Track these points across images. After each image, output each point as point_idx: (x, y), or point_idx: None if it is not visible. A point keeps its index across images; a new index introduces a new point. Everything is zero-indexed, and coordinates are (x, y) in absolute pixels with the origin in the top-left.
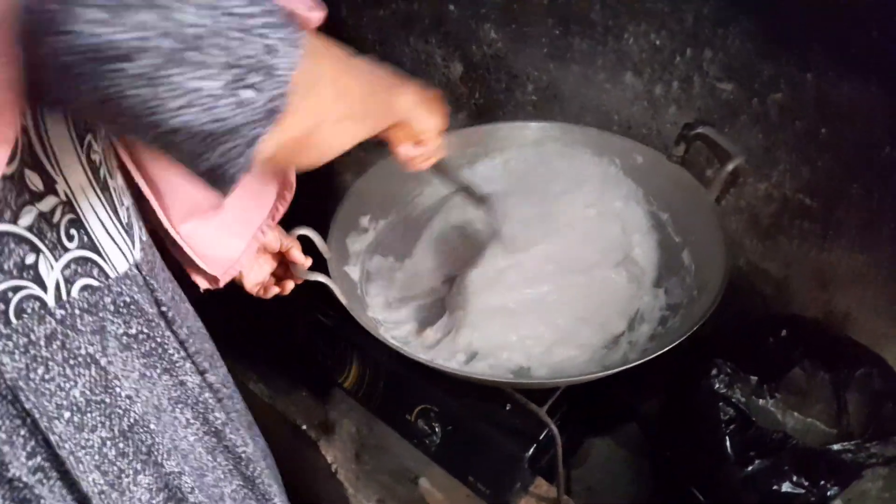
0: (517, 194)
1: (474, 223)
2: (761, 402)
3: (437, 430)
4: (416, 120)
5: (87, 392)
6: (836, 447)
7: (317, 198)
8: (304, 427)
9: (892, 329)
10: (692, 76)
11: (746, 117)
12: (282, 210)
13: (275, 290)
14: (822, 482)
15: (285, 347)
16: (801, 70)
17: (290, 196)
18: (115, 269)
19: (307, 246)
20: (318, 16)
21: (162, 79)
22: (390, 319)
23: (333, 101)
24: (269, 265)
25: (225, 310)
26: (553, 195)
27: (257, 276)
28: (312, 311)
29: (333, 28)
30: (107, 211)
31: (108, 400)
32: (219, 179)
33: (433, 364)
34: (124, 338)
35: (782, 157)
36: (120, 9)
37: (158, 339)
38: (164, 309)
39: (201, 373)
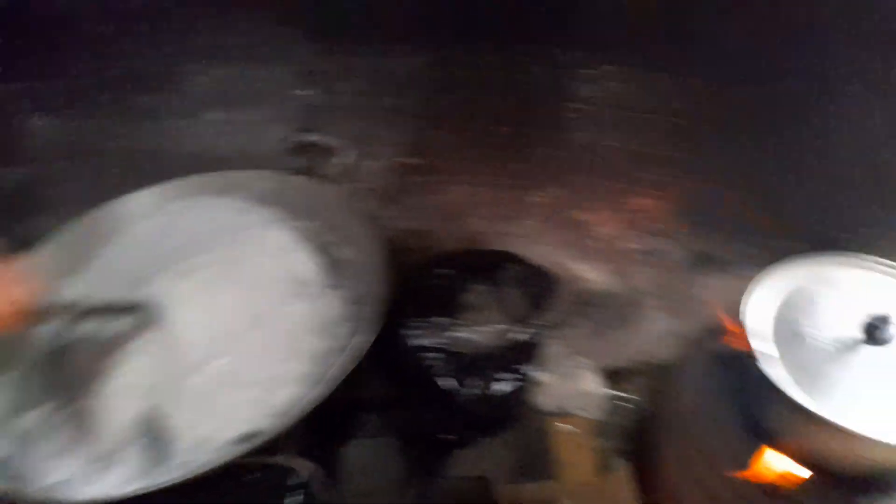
0: (158, 275)
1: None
2: (450, 333)
3: None
4: None
5: None
6: (520, 337)
7: None
8: None
9: (506, 227)
10: (277, 92)
11: (341, 112)
12: None
13: None
14: (522, 364)
15: None
16: (355, 55)
17: None
18: None
19: None
20: None
21: None
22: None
23: None
24: None
25: None
26: (196, 262)
27: None
28: None
29: None
30: None
31: None
32: None
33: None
34: None
35: (380, 134)
36: None
37: None
38: None
39: None
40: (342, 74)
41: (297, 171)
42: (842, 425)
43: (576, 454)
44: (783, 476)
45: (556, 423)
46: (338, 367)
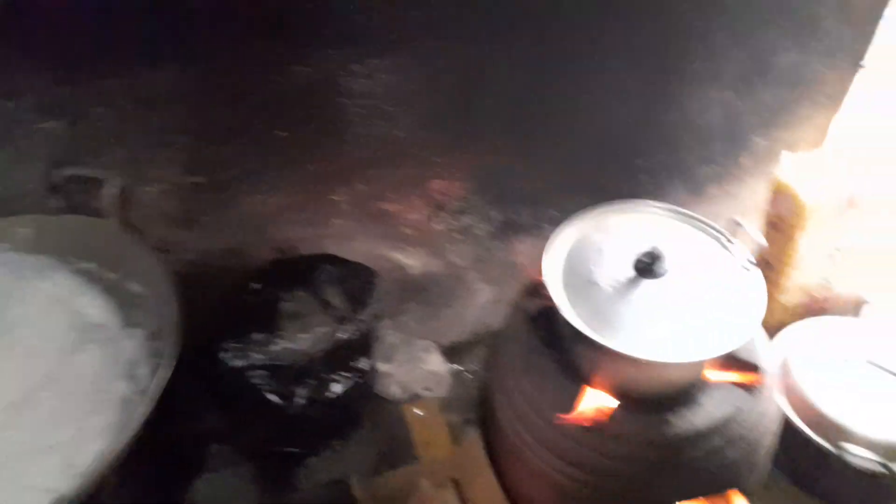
0: None
1: None
2: (274, 347)
3: None
4: None
5: None
6: (348, 335)
7: None
8: None
9: (315, 230)
10: (17, 128)
11: (100, 140)
12: None
13: None
14: (355, 361)
15: None
16: (101, 78)
17: None
18: None
19: None
20: None
21: None
22: None
23: None
24: None
25: None
26: None
27: None
28: None
29: None
30: None
31: None
32: None
33: None
34: None
35: (151, 156)
36: None
37: None
38: None
39: None
40: (91, 101)
41: (64, 210)
42: (633, 355)
43: (431, 434)
44: (601, 410)
45: (409, 409)
46: (145, 408)
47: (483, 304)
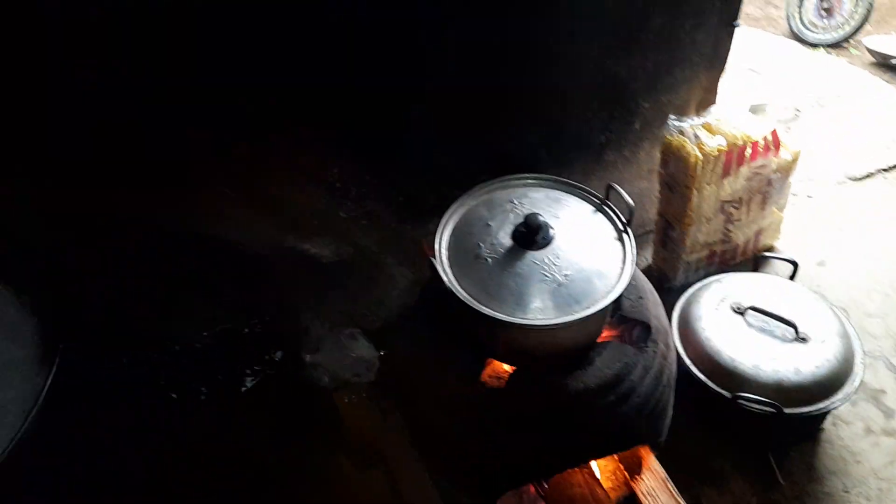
0: None
1: None
2: (175, 347)
3: None
4: None
5: None
6: (247, 328)
7: None
8: None
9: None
10: None
11: None
12: None
13: None
14: (273, 351)
15: None
16: None
17: None
18: None
19: None
20: None
21: None
22: None
23: None
24: None
25: None
26: None
27: None
28: None
29: None
30: None
31: None
32: None
33: None
34: None
35: None
36: None
37: None
38: None
39: None
40: None
41: None
42: (510, 320)
43: (360, 418)
44: (500, 378)
45: (339, 396)
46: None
47: (404, 287)
